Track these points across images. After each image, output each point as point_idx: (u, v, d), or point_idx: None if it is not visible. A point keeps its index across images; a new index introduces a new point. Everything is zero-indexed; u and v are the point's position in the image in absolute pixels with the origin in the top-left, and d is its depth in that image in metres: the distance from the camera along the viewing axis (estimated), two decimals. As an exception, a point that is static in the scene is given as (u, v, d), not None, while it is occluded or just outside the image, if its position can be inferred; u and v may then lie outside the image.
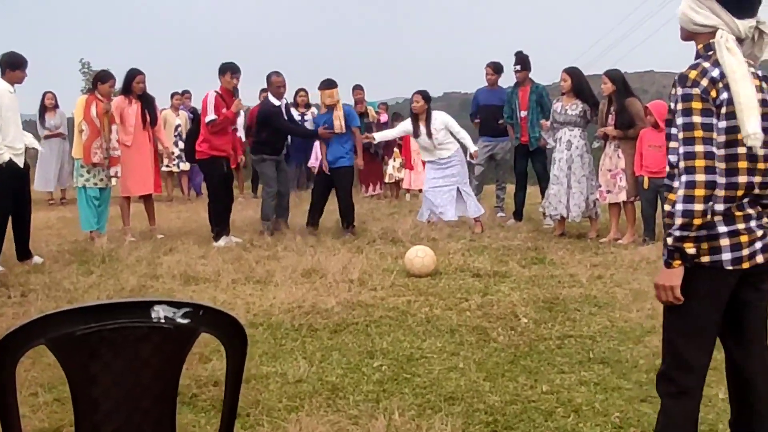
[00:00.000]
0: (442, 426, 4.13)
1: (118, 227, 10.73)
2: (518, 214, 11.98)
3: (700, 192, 2.92)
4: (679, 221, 2.96)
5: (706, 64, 3.01)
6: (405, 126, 11.38)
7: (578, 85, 10.31)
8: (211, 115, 10.10)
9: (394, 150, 15.99)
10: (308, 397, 4.69)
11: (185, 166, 16.04)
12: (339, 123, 10.79)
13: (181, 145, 15.84)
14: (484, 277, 7.83)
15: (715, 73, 2.97)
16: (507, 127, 12.24)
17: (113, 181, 10.46)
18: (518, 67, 11.79)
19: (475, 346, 5.69)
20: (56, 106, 15.27)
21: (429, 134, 10.80)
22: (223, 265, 8.35)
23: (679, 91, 3.00)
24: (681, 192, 2.96)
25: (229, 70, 10.35)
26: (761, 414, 3.30)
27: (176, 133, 15.91)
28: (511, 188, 15.46)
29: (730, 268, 3.04)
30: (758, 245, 3.09)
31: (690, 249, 3.01)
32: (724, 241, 3.02)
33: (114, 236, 10.25)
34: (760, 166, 3.04)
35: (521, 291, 7.19)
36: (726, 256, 3.03)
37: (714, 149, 2.94)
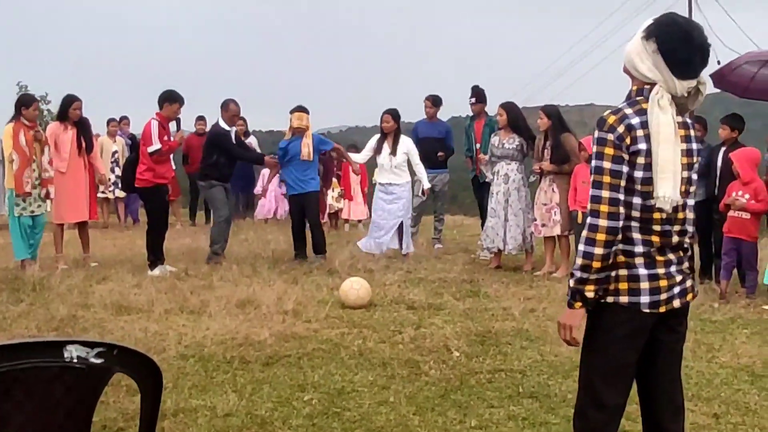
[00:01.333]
0: (369, 461, 4.12)
1: (51, 254, 10.56)
2: None
3: (601, 237, 3.00)
4: (579, 262, 3.06)
5: (628, 111, 3.08)
6: (371, 143, 11.51)
7: (514, 119, 10.46)
8: (156, 145, 9.99)
9: (333, 180, 16.01)
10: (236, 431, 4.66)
11: (121, 192, 15.86)
12: (307, 150, 10.82)
13: (118, 171, 15.64)
14: (418, 310, 7.85)
15: (635, 121, 3.04)
16: (446, 159, 12.40)
17: (48, 204, 10.32)
18: (473, 100, 11.96)
19: (406, 380, 5.70)
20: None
21: (394, 153, 10.93)
22: (156, 294, 8.26)
23: (596, 134, 3.09)
24: (584, 233, 3.06)
25: (177, 100, 10.27)
26: None
27: (113, 160, 15.75)
28: (450, 219, 15.61)
29: (647, 311, 3.10)
30: (676, 290, 3.17)
31: (589, 293, 3.08)
32: (644, 284, 3.09)
33: (46, 264, 10.10)
34: (680, 216, 3.16)
35: (455, 324, 7.23)
36: (644, 299, 3.09)
37: (620, 196, 3.02)
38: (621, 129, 3.03)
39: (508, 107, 10.58)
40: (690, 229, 3.24)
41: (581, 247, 3.06)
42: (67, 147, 10.34)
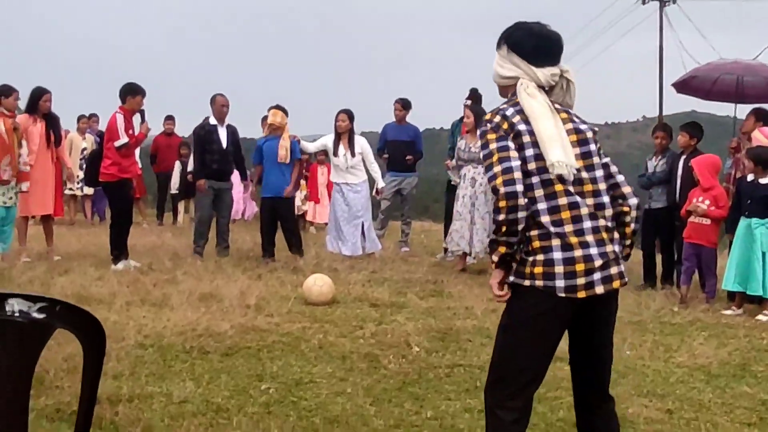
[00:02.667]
0: (321, 446, 4.12)
1: (14, 247, 10.46)
2: None
3: (502, 203, 3.10)
4: (493, 227, 3.19)
5: (503, 106, 3.32)
6: (325, 141, 11.47)
7: (480, 124, 10.46)
8: (123, 138, 9.93)
9: (300, 182, 15.99)
10: (190, 417, 4.64)
11: (89, 190, 15.75)
12: (285, 152, 10.81)
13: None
14: (381, 307, 7.86)
15: (509, 111, 3.26)
16: (414, 162, 12.45)
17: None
18: (469, 102, 11.94)
19: (365, 372, 5.71)
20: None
21: (353, 154, 10.94)
22: (118, 287, 8.21)
23: (479, 132, 3.31)
24: (493, 202, 3.17)
25: (139, 92, 10.19)
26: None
27: (82, 156, 15.64)
28: (418, 224, 15.64)
29: (563, 295, 3.10)
30: (597, 275, 3.14)
31: (496, 256, 3.21)
32: (559, 268, 3.10)
33: (8, 256, 10.00)
34: (588, 188, 3.23)
35: (416, 321, 7.24)
36: (560, 282, 3.10)
37: (512, 164, 3.12)
38: (497, 119, 3.25)
39: (476, 110, 10.61)
40: (607, 203, 3.26)
41: (492, 215, 3.16)
42: (35, 140, 10.26)
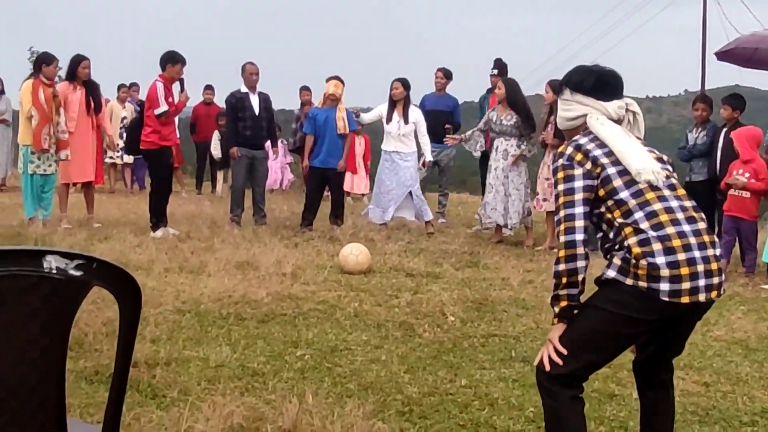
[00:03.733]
0: (355, 411, 4.14)
1: (55, 214, 10.59)
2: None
3: (561, 253, 3.13)
4: (553, 282, 3.18)
5: (577, 137, 3.29)
6: (380, 110, 11.45)
7: (512, 95, 10.36)
8: (163, 106, 10.00)
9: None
10: (227, 381, 4.69)
11: (129, 158, 15.88)
12: (343, 123, 10.86)
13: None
14: (416, 277, 7.87)
15: (582, 140, 3.25)
16: (453, 133, 12.36)
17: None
18: (495, 72, 11.82)
19: (399, 341, 5.73)
20: (1, 92, 15.02)
21: (406, 122, 10.94)
22: (157, 254, 8.29)
23: (552, 167, 3.31)
24: (558, 253, 3.16)
25: (179, 60, 10.23)
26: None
27: (122, 125, 15.75)
28: (455, 196, 15.59)
29: (666, 299, 2.99)
30: (702, 282, 3.02)
31: (557, 308, 3.18)
32: (664, 272, 2.97)
33: (49, 222, 10.13)
34: (681, 192, 3.19)
35: (452, 291, 7.24)
36: (664, 286, 2.98)
37: (576, 210, 3.11)
38: (569, 151, 3.23)
39: (508, 82, 10.53)
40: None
41: (555, 267, 3.16)
42: (75, 107, 10.35)
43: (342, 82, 11.04)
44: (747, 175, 8.56)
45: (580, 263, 3.08)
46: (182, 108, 10.56)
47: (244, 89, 11.21)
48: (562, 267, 3.09)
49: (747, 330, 6.34)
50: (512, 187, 10.24)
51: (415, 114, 11.16)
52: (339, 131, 10.83)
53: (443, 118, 12.18)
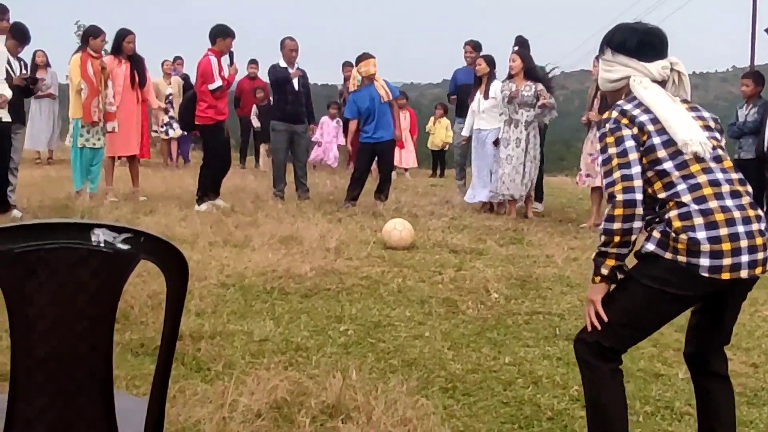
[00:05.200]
0: (399, 387, 4.14)
1: (101, 187, 10.71)
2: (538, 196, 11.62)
3: (618, 211, 3.00)
4: (601, 238, 3.08)
5: (621, 102, 3.21)
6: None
7: (528, 65, 10.35)
8: (217, 81, 10.09)
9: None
10: (271, 355, 4.71)
11: (174, 133, 16.01)
12: (385, 92, 10.85)
13: (172, 112, 15.82)
14: (460, 253, 7.84)
15: (627, 106, 3.16)
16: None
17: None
18: (516, 48, 11.68)
19: (443, 317, 5.71)
20: (47, 65, 15.16)
21: (485, 97, 10.92)
22: (202, 228, 8.34)
23: (598, 133, 3.22)
24: (607, 211, 3.06)
25: (229, 34, 10.28)
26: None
27: (167, 100, 15.86)
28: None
29: (706, 275, 2.92)
30: (744, 258, 2.94)
31: (605, 269, 3.09)
32: (705, 246, 2.90)
33: (95, 195, 10.25)
34: (728, 164, 3.09)
35: (495, 268, 7.20)
36: (704, 261, 2.91)
37: (632, 171, 3.02)
38: (615, 115, 3.15)
39: (522, 54, 10.46)
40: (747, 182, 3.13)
41: (602, 224, 3.07)
42: (120, 81, 10.45)
43: (371, 57, 10.93)
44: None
45: (637, 223, 3.00)
46: (232, 81, 10.64)
47: (283, 64, 11.19)
48: (617, 225, 3.00)
49: (797, 310, 6.23)
50: (528, 159, 10.24)
51: (496, 89, 10.88)
52: (383, 100, 10.79)
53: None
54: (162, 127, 15.88)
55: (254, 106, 16.28)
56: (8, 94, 8.38)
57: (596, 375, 3.16)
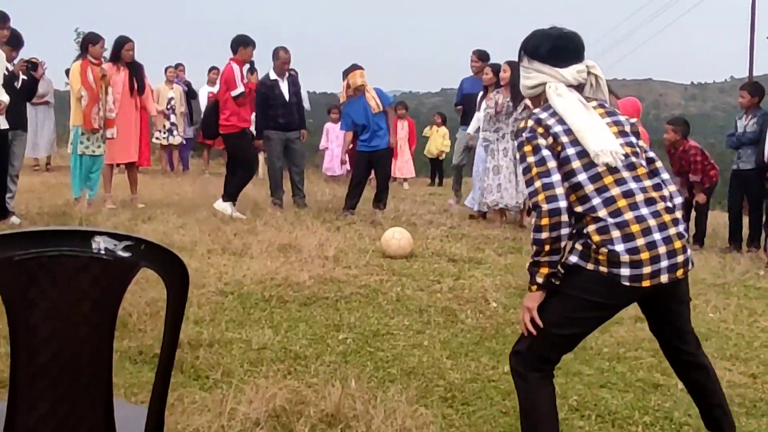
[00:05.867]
0: (398, 396, 4.14)
1: (100, 194, 10.70)
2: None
3: (545, 221, 3.05)
4: (532, 248, 3.13)
5: (536, 110, 3.26)
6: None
7: (518, 77, 10.28)
8: (240, 88, 10.24)
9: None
10: (269, 364, 4.70)
11: (175, 139, 16.04)
12: (375, 103, 10.81)
13: (174, 118, 15.87)
14: (459, 262, 7.83)
15: (542, 115, 3.22)
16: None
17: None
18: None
19: (442, 326, 5.71)
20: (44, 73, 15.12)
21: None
22: (200, 235, 8.33)
23: (516, 142, 3.27)
24: (533, 222, 3.12)
25: (250, 44, 10.50)
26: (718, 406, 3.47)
27: (169, 107, 15.89)
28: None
29: (627, 284, 3.03)
30: (663, 263, 3.06)
31: (540, 277, 3.14)
32: (624, 257, 3.01)
33: (94, 202, 10.24)
34: (641, 171, 3.18)
35: (494, 277, 7.19)
36: (624, 271, 3.02)
37: (552, 179, 3.07)
38: (530, 123, 3.21)
39: (514, 65, 10.44)
40: (667, 179, 3.24)
41: (531, 235, 3.12)
42: (119, 88, 10.45)
43: (359, 68, 10.91)
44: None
45: (564, 230, 3.06)
46: (254, 89, 10.68)
47: (273, 75, 11.16)
48: (545, 235, 3.05)
49: (795, 321, 6.23)
50: (520, 168, 10.18)
51: (495, 98, 10.87)
52: (374, 111, 10.78)
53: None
54: (163, 133, 15.90)
55: (253, 114, 16.26)
56: (5, 99, 8.38)
57: (529, 384, 3.26)
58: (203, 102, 16.21)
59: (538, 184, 3.08)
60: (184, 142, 16.49)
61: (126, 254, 2.02)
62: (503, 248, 8.75)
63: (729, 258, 8.74)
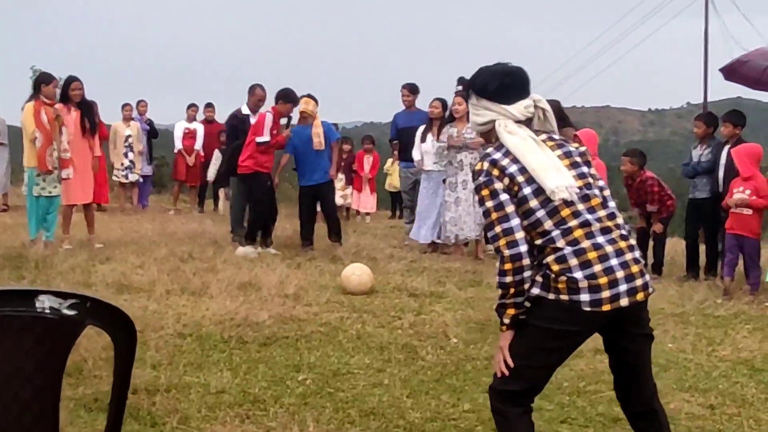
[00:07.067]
0: (357, 439, 4.11)
1: (57, 235, 10.56)
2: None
3: (508, 266, 3.14)
4: (498, 292, 3.23)
5: (490, 150, 3.32)
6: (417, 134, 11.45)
7: None
8: (265, 137, 10.43)
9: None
10: (227, 408, 4.65)
11: (134, 177, 15.92)
12: (318, 140, 10.73)
13: (132, 156, 15.74)
14: (420, 297, 7.83)
15: (496, 155, 3.26)
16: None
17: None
18: (460, 87, 11.68)
19: (402, 364, 5.69)
20: (-7, 112, 15.03)
21: (438, 140, 10.93)
22: (159, 275, 8.24)
23: (473, 185, 3.32)
24: (498, 266, 3.20)
25: (291, 100, 10.75)
26: None
27: (126, 144, 15.76)
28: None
29: (588, 309, 3.07)
30: (622, 287, 3.11)
31: (506, 318, 3.25)
32: (583, 284, 3.07)
33: (50, 244, 10.10)
34: (596, 201, 3.24)
35: (455, 312, 7.20)
36: (584, 297, 3.07)
37: (512, 223, 3.14)
38: (486, 166, 3.24)
39: (467, 97, 10.50)
40: (616, 210, 3.30)
41: (496, 278, 3.21)
42: (70, 129, 10.31)
43: (314, 99, 10.94)
44: (748, 192, 8.51)
45: (527, 273, 3.13)
46: (282, 143, 10.81)
47: (245, 110, 11.24)
48: (509, 279, 3.14)
49: (753, 349, 6.28)
50: (477, 201, 10.23)
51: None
52: (315, 147, 10.74)
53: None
54: (122, 171, 15.78)
55: (216, 151, 16.22)
56: None
57: (508, 421, 3.29)
58: (178, 137, 16.32)
59: (498, 229, 3.15)
60: (141, 180, 16.34)
61: (71, 312, 1.99)
62: (464, 281, 8.77)
63: (687, 287, 8.81)
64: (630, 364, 3.38)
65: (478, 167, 3.28)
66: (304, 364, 5.60)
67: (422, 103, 12.43)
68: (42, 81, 10.08)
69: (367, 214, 17.13)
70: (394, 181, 18.65)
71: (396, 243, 11.37)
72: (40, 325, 1.96)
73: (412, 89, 12.52)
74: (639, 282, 3.14)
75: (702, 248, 9.89)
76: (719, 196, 9.21)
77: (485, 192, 3.21)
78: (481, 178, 3.23)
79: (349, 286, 7.93)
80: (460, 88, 11.48)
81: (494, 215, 3.16)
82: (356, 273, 8.02)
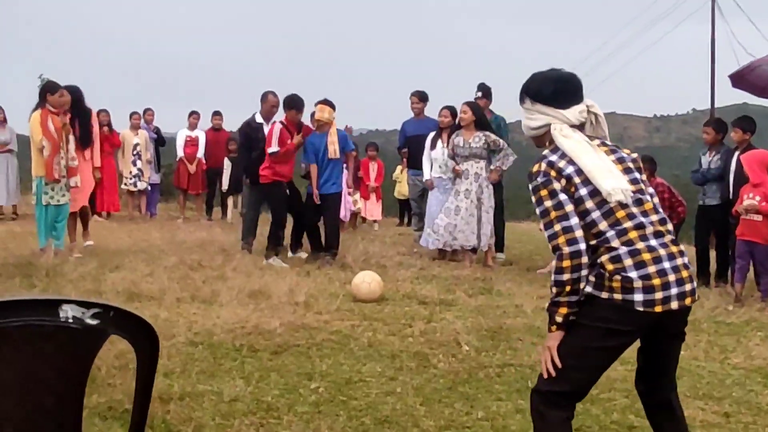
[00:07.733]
0: (372, 447, 4.10)
1: (66, 243, 10.57)
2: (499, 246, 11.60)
3: (566, 263, 3.15)
4: (552, 290, 3.21)
5: (546, 153, 3.35)
6: (428, 139, 11.45)
7: (479, 117, 10.42)
8: (274, 147, 10.51)
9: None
10: (241, 416, 4.65)
11: (142, 185, 15.96)
12: (333, 148, 10.61)
13: (140, 164, 15.78)
14: (430, 305, 7.82)
15: (553, 157, 3.30)
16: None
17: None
18: (479, 94, 11.62)
19: (414, 372, 5.68)
20: (4, 120, 15.04)
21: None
22: (169, 283, 8.24)
23: (530, 186, 3.33)
24: (553, 263, 3.22)
25: (294, 107, 10.80)
26: None
27: (135, 152, 15.81)
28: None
29: (641, 309, 3.11)
30: (673, 291, 3.16)
31: (559, 317, 3.22)
32: (637, 284, 3.11)
33: (60, 252, 10.11)
34: (648, 206, 3.29)
35: (465, 319, 7.19)
36: (638, 297, 3.11)
37: (571, 222, 3.18)
38: (543, 167, 3.28)
39: (473, 105, 10.55)
40: (666, 218, 3.36)
41: (552, 276, 3.20)
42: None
43: (331, 105, 10.71)
44: (758, 198, 8.48)
45: (584, 272, 3.17)
46: (292, 149, 10.75)
47: (259, 119, 11.19)
48: (566, 276, 3.15)
49: (766, 357, 6.27)
50: (483, 210, 10.29)
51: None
52: (330, 156, 10.61)
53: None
54: (130, 179, 15.82)
55: (226, 159, 16.23)
56: None
57: (547, 424, 3.27)
58: (180, 144, 16.25)
59: (558, 227, 3.19)
60: (149, 188, 16.37)
61: (94, 322, 1.99)
62: (474, 289, 8.75)
63: (698, 293, 8.76)
64: (660, 361, 3.43)
65: (534, 169, 3.31)
66: (317, 372, 5.59)
67: (431, 111, 12.44)
68: (48, 90, 10.07)
69: (375, 221, 17.11)
70: (402, 188, 18.63)
71: (405, 250, 11.36)
72: (63, 335, 1.96)
73: (421, 97, 12.50)
74: (688, 287, 3.21)
75: (712, 255, 9.87)
76: (730, 202, 9.18)
77: (544, 192, 3.25)
78: (539, 179, 3.26)
79: (360, 294, 7.93)
80: (480, 94, 11.48)
81: (553, 214, 3.21)
82: (366, 281, 8.01)
